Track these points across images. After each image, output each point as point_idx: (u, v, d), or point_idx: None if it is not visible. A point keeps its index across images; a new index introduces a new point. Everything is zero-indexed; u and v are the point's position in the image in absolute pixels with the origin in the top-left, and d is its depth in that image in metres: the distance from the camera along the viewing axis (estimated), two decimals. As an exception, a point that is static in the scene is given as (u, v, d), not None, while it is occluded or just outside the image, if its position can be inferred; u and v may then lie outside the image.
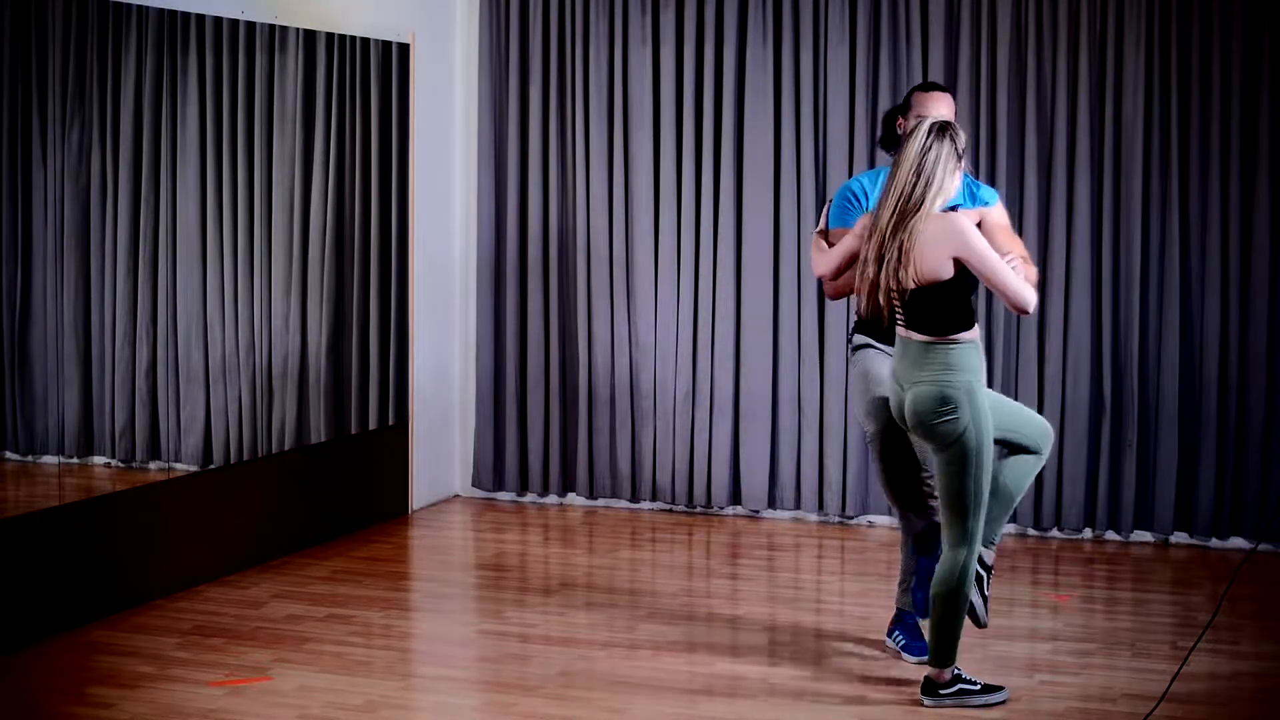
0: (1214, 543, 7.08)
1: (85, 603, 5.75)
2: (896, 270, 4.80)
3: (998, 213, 5.31)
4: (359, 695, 5.04)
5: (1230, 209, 6.92)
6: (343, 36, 7.08)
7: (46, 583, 5.60)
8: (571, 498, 7.92)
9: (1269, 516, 6.84)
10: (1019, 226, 7.18)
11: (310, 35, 6.91)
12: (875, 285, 4.87)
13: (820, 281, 5.70)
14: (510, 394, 7.85)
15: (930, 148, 4.80)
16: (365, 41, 7.22)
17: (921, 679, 5.05)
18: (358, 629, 5.78)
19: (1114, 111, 7.04)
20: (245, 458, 6.66)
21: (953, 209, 4.97)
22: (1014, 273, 4.83)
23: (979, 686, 4.99)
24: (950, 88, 7.19)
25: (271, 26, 6.68)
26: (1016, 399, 7.21)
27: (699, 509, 7.74)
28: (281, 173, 6.83)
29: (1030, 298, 4.84)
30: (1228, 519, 7.02)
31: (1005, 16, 7.11)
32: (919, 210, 4.78)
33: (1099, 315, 7.11)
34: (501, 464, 7.94)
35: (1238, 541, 7.05)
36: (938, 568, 4.96)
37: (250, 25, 6.57)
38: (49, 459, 5.94)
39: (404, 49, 7.44)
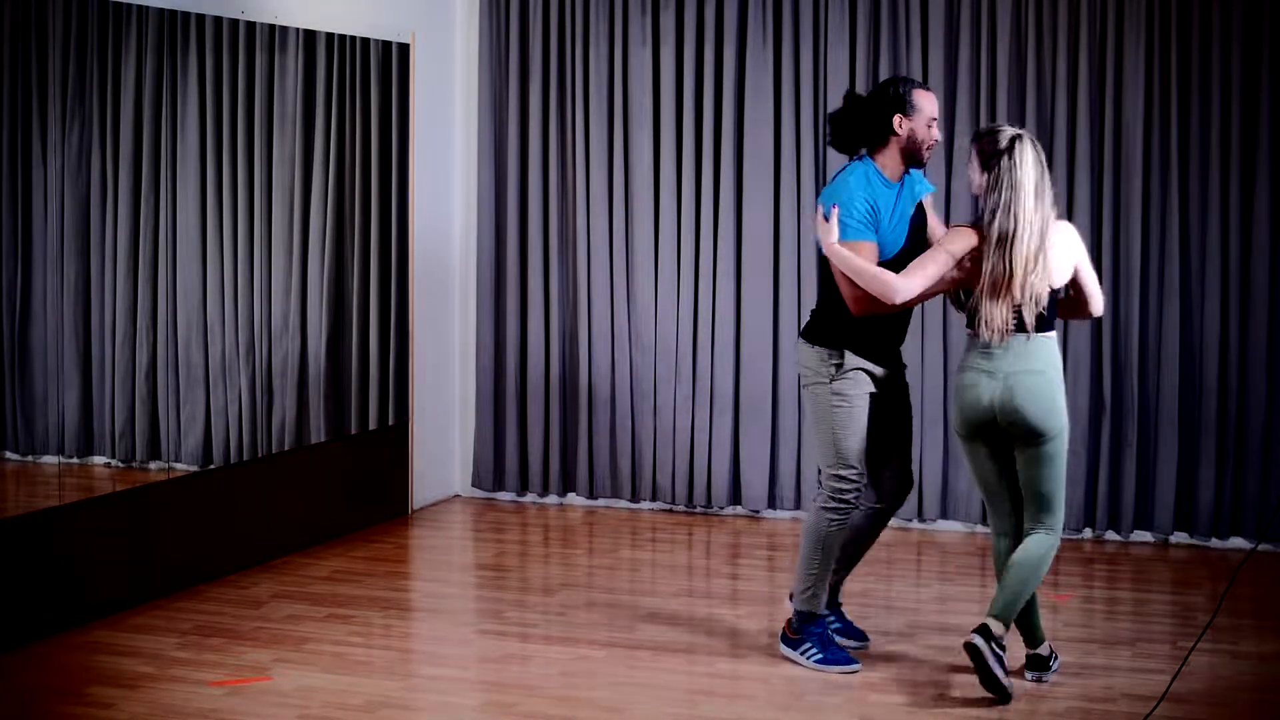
0: (1214, 543, 7.08)
1: (85, 603, 5.75)
2: (1038, 283, 4.96)
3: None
4: (359, 695, 5.04)
5: (1230, 209, 6.92)
6: (343, 36, 7.08)
7: (47, 583, 5.61)
8: (571, 498, 7.92)
9: (1269, 516, 6.84)
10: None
11: (310, 35, 6.91)
12: (1014, 300, 4.95)
13: (829, 290, 5.41)
14: (510, 394, 7.85)
15: (1035, 161, 4.97)
16: (365, 41, 7.22)
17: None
18: (358, 629, 5.78)
19: (1114, 111, 7.04)
20: (245, 458, 6.66)
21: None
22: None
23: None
24: (952, 87, 7.22)
25: (271, 26, 6.68)
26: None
27: (699, 509, 7.74)
28: (281, 173, 6.83)
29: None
30: (1228, 519, 7.02)
31: (1005, 16, 7.11)
32: (1049, 224, 4.97)
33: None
34: (501, 464, 7.94)
35: (1238, 541, 7.05)
36: (1032, 544, 5.08)
37: (250, 25, 6.57)
38: (49, 459, 5.94)
39: (404, 49, 7.44)
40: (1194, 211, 6.99)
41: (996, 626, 4.99)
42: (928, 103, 5.18)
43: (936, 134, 5.21)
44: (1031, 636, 5.23)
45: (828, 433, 5.28)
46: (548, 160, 7.75)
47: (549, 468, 7.87)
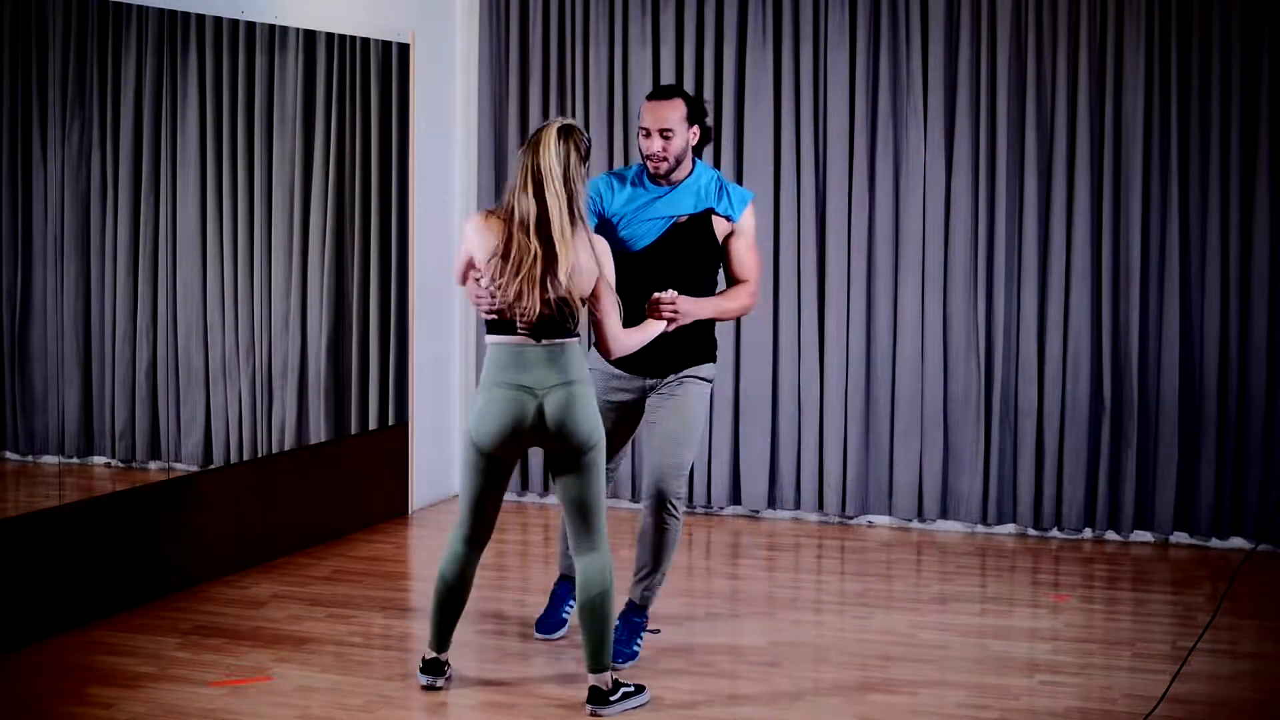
0: (1214, 543, 7.08)
1: (85, 603, 5.75)
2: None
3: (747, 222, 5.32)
4: (359, 695, 5.04)
5: (1230, 209, 6.92)
6: (343, 36, 7.08)
7: (46, 583, 5.61)
8: (571, 498, 7.91)
9: (1269, 516, 6.84)
10: (1019, 226, 7.18)
11: (310, 35, 6.91)
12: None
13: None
14: (510, 394, 7.84)
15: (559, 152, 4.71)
16: (365, 41, 7.22)
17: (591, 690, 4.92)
18: (358, 629, 5.78)
19: (1114, 111, 7.04)
20: (245, 458, 6.66)
21: (706, 211, 5.20)
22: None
23: (634, 688, 4.96)
24: (952, 87, 7.21)
25: (271, 26, 6.68)
26: (1016, 399, 7.23)
27: (699, 509, 7.73)
28: (281, 173, 6.83)
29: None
30: (1228, 519, 7.02)
31: (1005, 16, 7.11)
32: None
33: (1099, 315, 7.11)
34: (501, 464, 7.93)
35: (1238, 541, 7.05)
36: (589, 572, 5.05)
37: (250, 25, 6.57)
38: (49, 459, 5.94)
39: (404, 49, 7.44)
40: (1194, 211, 6.99)
41: (603, 678, 4.88)
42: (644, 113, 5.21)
43: (651, 145, 5.19)
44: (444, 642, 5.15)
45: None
46: (548, 160, 7.74)
47: (549, 468, 7.85)
